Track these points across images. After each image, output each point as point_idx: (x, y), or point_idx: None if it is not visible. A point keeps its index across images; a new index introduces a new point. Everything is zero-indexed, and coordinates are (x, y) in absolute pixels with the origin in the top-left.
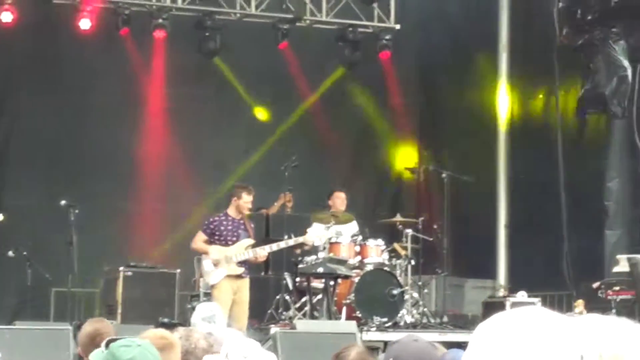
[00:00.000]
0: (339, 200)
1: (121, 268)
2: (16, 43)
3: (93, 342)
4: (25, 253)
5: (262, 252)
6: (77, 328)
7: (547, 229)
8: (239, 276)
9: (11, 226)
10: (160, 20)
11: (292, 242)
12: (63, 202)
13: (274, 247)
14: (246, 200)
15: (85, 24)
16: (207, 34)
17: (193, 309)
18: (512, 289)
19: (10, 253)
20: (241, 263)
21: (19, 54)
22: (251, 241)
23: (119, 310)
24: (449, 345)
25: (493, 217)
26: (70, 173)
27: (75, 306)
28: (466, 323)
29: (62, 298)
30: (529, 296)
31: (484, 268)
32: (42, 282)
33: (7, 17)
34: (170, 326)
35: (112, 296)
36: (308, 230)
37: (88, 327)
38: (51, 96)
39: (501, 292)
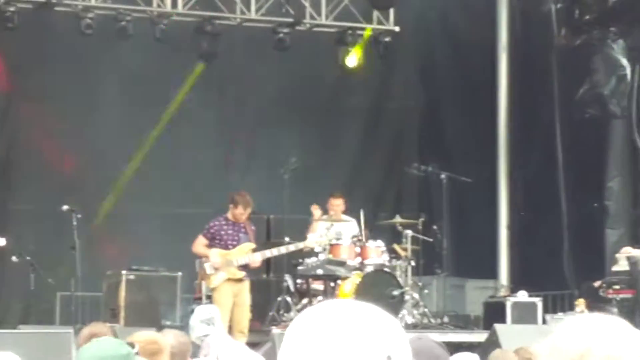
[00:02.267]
0: (333, 207)
1: (123, 272)
2: (19, 48)
3: None
4: (28, 258)
5: (256, 258)
6: (79, 332)
7: (547, 228)
8: (239, 279)
9: (15, 231)
10: (161, 26)
11: (292, 247)
12: (65, 207)
13: (275, 252)
14: (241, 211)
15: (88, 28)
16: (207, 38)
17: (192, 311)
18: (514, 288)
19: (14, 258)
20: (242, 266)
21: (23, 59)
22: (252, 245)
23: (122, 314)
24: (450, 345)
25: (493, 217)
26: (72, 178)
27: (80, 310)
28: (468, 323)
29: (67, 302)
30: (530, 296)
31: (485, 268)
32: (45, 287)
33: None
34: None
35: (114, 300)
36: (308, 235)
37: (86, 330)
38: (54, 102)
39: (502, 292)
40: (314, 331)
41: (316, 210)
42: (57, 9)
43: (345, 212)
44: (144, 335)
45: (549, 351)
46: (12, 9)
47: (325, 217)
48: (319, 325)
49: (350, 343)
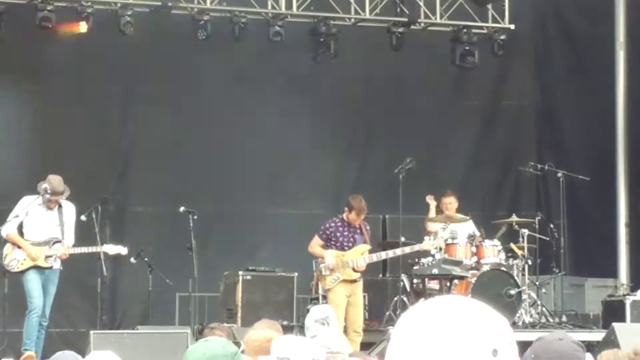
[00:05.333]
0: (445, 205)
1: (240, 272)
2: (137, 52)
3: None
4: (146, 259)
5: (361, 263)
6: (199, 332)
7: None
8: (353, 280)
9: (133, 233)
10: (276, 27)
11: (408, 249)
12: (182, 209)
13: (390, 254)
14: (354, 217)
15: (201, 34)
16: (321, 39)
17: (308, 311)
18: (633, 287)
19: (133, 260)
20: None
21: (139, 61)
22: (367, 247)
23: (239, 314)
24: None
25: (612, 215)
26: (190, 179)
27: (197, 310)
28: (586, 322)
29: (186, 303)
30: None
31: (604, 267)
32: (164, 288)
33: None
34: (289, 329)
35: (232, 300)
36: (425, 237)
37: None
38: (171, 103)
39: (621, 291)
40: (420, 326)
41: (431, 201)
42: (173, 12)
43: (458, 211)
44: (262, 334)
45: None
46: (129, 13)
47: (441, 216)
48: (425, 320)
49: (456, 337)
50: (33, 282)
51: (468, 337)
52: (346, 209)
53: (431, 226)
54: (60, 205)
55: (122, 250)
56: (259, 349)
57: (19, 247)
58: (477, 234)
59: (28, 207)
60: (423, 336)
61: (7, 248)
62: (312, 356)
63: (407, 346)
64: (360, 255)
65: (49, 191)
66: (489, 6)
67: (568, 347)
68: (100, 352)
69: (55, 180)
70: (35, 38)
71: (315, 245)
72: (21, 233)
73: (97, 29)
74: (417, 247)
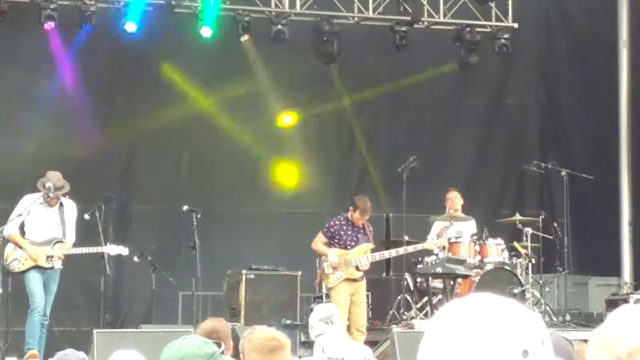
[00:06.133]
0: (450, 200)
1: (244, 271)
2: (145, 52)
3: (209, 338)
4: (149, 258)
5: (365, 262)
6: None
7: None
8: (356, 279)
9: (137, 232)
10: (279, 26)
11: (410, 248)
12: (185, 208)
13: (393, 253)
14: (358, 217)
15: (206, 32)
16: (324, 38)
17: (312, 310)
18: (637, 285)
19: (136, 258)
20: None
21: (143, 60)
22: (370, 245)
23: (242, 313)
24: None
25: (616, 213)
26: (192, 178)
27: (201, 309)
28: (590, 321)
29: (189, 301)
30: None
31: (608, 265)
32: (167, 287)
33: (131, 27)
34: (293, 328)
35: (235, 299)
36: (428, 236)
37: (207, 324)
38: (174, 101)
39: (625, 289)
40: (451, 324)
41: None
42: (177, 10)
43: (464, 208)
44: (264, 332)
45: (595, 344)
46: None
47: (444, 215)
48: (456, 318)
49: (486, 336)
50: (34, 282)
51: (498, 337)
52: (351, 208)
53: (435, 227)
54: (61, 204)
55: (123, 250)
56: (260, 347)
57: (20, 247)
58: (479, 233)
59: (30, 206)
60: (453, 335)
61: (9, 248)
62: (364, 355)
63: (437, 344)
64: (363, 254)
65: (51, 188)
66: (492, 5)
67: (559, 340)
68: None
69: (54, 177)
70: (38, 35)
71: (319, 242)
72: (22, 232)
73: (100, 26)
74: (420, 246)
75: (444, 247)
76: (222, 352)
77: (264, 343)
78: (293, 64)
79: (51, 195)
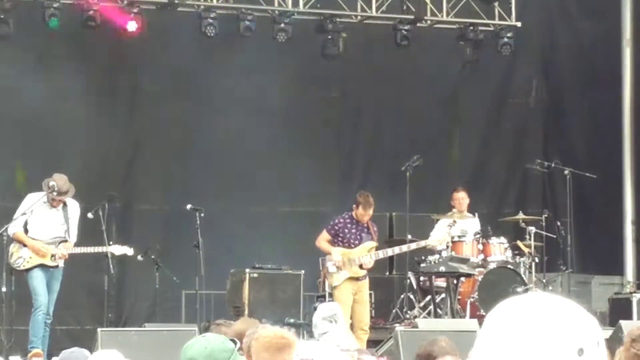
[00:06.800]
0: (458, 200)
1: (247, 270)
2: (142, 50)
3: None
4: (153, 257)
5: (369, 260)
6: (205, 329)
7: None
8: (360, 277)
9: (140, 231)
10: (282, 25)
11: (414, 246)
12: (189, 206)
13: (397, 250)
14: (362, 212)
15: (210, 31)
16: (329, 37)
17: (315, 309)
18: None
19: (140, 257)
20: (363, 265)
21: (145, 59)
22: (374, 244)
23: (246, 312)
24: None
25: (619, 212)
26: (196, 177)
27: (204, 308)
28: None
29: (192, 300)
30: None
31: (611, 264)
32: (171, 285)
33: (132, 26)
34: (296, 326)
35: (238, 297)
36: (431, 233)
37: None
38: (177, 102)
39: (628, 288)
40: (507, 322)
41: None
42: (179, 9)
43: (468, 207)
44: (272, 331)
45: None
46: (135, 10)
47: (447, 214)
48: (512, 316)
49: (542, 334)
50: (38, 280)
51: (554, 334)
52: (354, 205)
53: (438, 225)
54: (65, 204)
55: (128, 251)
56: (268, 345)
57: (25, 245)
58: (483, 231)
59: (33, 205)
60: (509, 333)
61: (14, 246)
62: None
63: (494, 340)
64: (367, 252)
65: (55, 190)
66: (496, 4)
67: None
68: (106, 351)
69: (60, 180)
70: (41, 35)
71: (323, 240)
72: (25, 230)
73: (102, 26)
74: (423, 243)
75: (447, 247)
76: (239, 349)
77: (273, 341)
78: (295, 62)
79: (54, 196)
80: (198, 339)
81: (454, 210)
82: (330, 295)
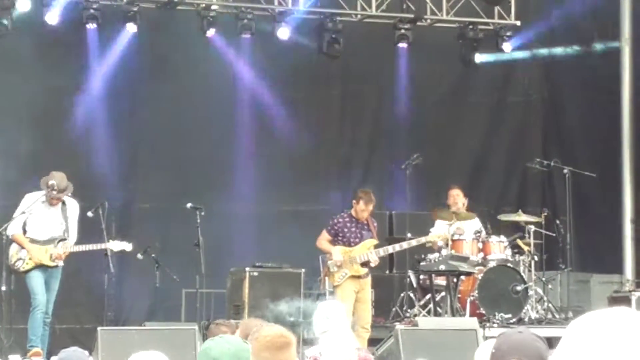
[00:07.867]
0: (452, 197)
1: (247, 268)
2: (141, 51)
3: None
4: (153, 255)
5: (374, 257)
6: (205, 328)
7: None
8: (362, 276)
9: (140, 229)
10: (282, 24)
11: (414, 242)
12: (189, 205)
13: (397, 247)
14: (362, 208)
15: (211, 32)
16: (332, 35)
17: (316, 308)
18: (639, 283)
19: (140, 256)
20: (364, 263)
21: (144, 58)
22: (374, 241)
23: (246, 310)
24: None
25: (618, 211)
26: (196, 176)
27: (204, 306)
28: None
29: (192, 299)
30: None
31: (610, 263)
32: (171, 284)
33: (132, 27)
34: (296, 325)
35: (238, 296)
36: (431, 230)
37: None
38: (177, 99)
39: (627, 287)
40: (591, 334)
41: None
42: (179, 8)
43: (467, 206)
44: (273, 329)
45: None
46: (135, 9)
47: (448, 214)
48: (597, 329)
49: (625, 347)
50: (36, 279)
51: (635, 348)
52: (354, 201)
53: (437, 224)
54: (63, 203)
55: (127, 246)
56: (268, 345)
57: (24, 248)
58: (483, 231)
59: (32, 205)
60: (592, 344)
61: (13, 247)
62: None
63: (576, 353)
64: (367, 250)
65: (55, 188)
66: None
67: (528, 337)
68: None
69: (58, 177)
70: (41, 36)
71: (324, 240)
72: (24, 230)
73: (101, 26)
74: (423, 240)
75: (447, 244)
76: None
77: (274, 340)
78: (295, 61)
79: (54, 195)
80: (217, 340)
81: (452, 209)
82: (331, 293)
